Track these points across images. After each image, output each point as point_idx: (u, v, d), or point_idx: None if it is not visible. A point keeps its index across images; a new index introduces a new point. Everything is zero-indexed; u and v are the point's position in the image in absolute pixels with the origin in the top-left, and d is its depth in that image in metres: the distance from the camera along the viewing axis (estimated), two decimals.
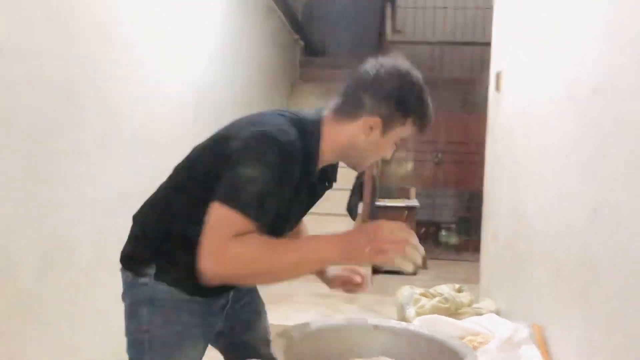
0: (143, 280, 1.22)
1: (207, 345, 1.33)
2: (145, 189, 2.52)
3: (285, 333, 1.17)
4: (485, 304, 2.39)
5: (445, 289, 2.56)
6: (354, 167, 1.29)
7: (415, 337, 1.23)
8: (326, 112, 1.23)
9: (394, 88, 1.15)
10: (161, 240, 1.23)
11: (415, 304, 2.33)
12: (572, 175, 1.57)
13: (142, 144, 2.48)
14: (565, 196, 1.61)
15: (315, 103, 5.97)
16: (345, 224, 4.31)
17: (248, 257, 1.01)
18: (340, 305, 3.69)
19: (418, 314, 2.23)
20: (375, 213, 4.65)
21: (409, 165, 5.46)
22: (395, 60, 1.20)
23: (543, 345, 1.69)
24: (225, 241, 0.99)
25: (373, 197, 4.74)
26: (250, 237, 1.01)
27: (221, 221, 1.01)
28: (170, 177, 1.30)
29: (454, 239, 5.74)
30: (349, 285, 1.41)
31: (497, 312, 2.34)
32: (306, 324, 1.24)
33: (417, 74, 1.19)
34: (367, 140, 1.18)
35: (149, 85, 2.48)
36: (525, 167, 2.17)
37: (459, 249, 5.65)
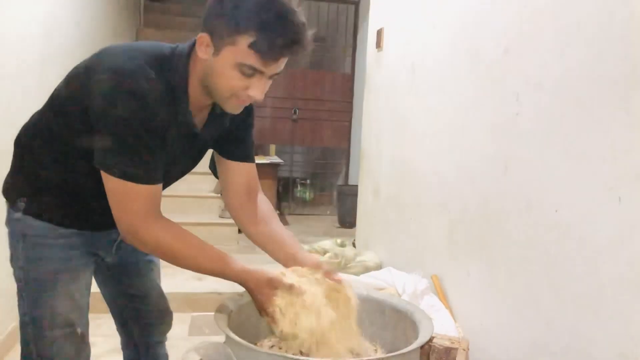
0: (16, 215, 1.14)
1: (92, 273, 1.24)
2: None
3: (223, 308, 1.09)
4: (369, 256, 2.47)
5: (328, 244, 2.60)
6: (222, 107, 1.07)
7: None
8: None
9: (234, 2, 0.94)
10: (36, 173, 1.13)
11: None
12: (478, 133, 1.64)
13: None
14: (470, 152, 1.68)
15: None
16: (208, 183, 4.15)
17: (167, 248, 1.04)
18: None
19: None
20: None
21: (267, 122, 5.39)
22: None
23: (441, 293, 1.79)
24: (143, 219, 1.01)
25: None
26: (176, 231, 1.05)
27: (125, 195, 1.00)
28: (49, 103, 1.14)
29: (308, 194, 5.87)
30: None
31: (380, 264, 2.44)
32: (240, 297, 1.15)
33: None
34: (207, 64, 0.99)
35: None
36: (413, 124, 2.23)
37: (314, 203, 5.80)
